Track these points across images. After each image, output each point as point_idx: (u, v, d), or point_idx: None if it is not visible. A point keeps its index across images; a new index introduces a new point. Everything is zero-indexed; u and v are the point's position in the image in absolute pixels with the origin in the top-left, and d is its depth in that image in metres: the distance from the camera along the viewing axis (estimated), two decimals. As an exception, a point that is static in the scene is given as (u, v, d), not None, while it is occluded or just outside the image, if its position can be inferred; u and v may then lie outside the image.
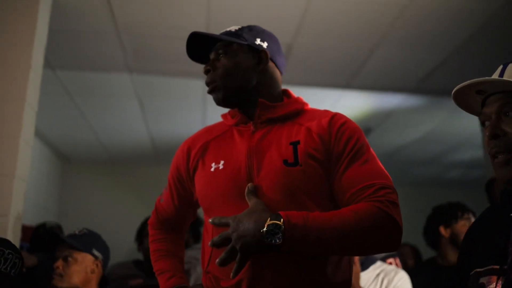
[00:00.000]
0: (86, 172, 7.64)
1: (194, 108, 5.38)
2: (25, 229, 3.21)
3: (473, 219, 2.82)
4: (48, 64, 4.04)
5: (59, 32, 3.58)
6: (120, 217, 7.03)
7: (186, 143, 1.61)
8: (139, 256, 3.48)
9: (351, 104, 5.27)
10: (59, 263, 2.19)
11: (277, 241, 1.23)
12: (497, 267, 1.12)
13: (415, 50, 3.96)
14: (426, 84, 4.60)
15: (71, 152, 7.28)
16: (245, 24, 1.58)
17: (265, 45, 1.53)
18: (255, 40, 1.52)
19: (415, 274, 2.53)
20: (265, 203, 1.35)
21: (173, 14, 3.45)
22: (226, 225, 1.31)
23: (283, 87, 1.60)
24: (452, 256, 2.80)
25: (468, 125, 5.78)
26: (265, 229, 1.23)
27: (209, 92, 1.53)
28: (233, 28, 1.55)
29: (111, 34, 3.68)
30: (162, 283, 1.57)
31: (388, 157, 7.13)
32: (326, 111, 1.51)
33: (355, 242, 1.28)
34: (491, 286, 1.11)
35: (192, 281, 2.88)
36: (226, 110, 1.59)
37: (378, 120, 5.75)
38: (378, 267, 2.36)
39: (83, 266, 2.22)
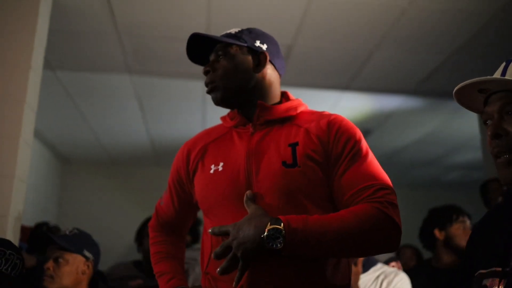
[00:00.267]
0: (86, 173, 7.65)
1: (194, 109, 5.38)
2: (24, 230, 3.21)
3: (468, 222, 2.83)
4: (48, 64, 4.04)
5: (59, 33, 3.58)
6: (120, 218, 7.04)
7: (186, 146, 1.62)
8: (139, 256, 3.48)
9: (350, 105, 5.28)
10: (50, 264, 2.15)
11: (278, 245, 1.23)
12: (500, 269, 1.11)
13: (414, 51, 3.97)
14: (425, 86, 4.61)
15: (71, 153, 7.28)
16: (245, 26, 1.59)
17: (264, 47, 1.54)
18: (255, 42, 1.53)
19: (412, 276, 2.53)
20: (264, 205, 1.35)
21: (173, 15, 3.45)
22: (226, 233, 1.31)
23: (283, 88, 1.60)
24: (446, 258, 2.80)
25: (467, 127, 5.79)
26: (265, 234, 1.23)
27: (208, 92, 1.54)
28: (233, 30, 1.56)
29: (111, 34, 3.68)
30: (162, 285, 1.57)
31: (387, 159, 7.14)
32: (324, 113, 1.51)
33: (355, 243, 1.28)
34: None
35: (190, 282, 2.88)
36: (226, 111, 1.59)
37: (378, 121, 5.76)
38: (378, 269, 2.36)
39: (74, 267, 2.19)
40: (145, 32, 3.68)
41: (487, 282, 1.13)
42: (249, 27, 1.59)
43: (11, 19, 2.85)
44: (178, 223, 1.70)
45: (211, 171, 1.48)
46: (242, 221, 1.29)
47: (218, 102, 1.52)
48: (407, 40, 3.76)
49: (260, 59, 1.52)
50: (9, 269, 1.92)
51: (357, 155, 1.39)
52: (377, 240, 1.30)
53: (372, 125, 5.84)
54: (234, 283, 1.28)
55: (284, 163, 1.39)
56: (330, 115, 1.49)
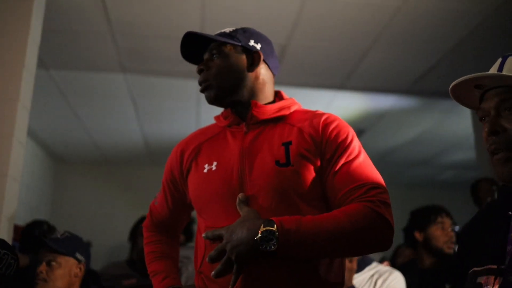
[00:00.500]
0: (79, 172, 7.63)
1: (188, 109, 5.38)
2: (16, 229, 3.20)
3: (448, 222, 2.84)
4: (42, 63, 4.03)
5: (53, 32, 3.57)
6: (114, 217, 7.02)
7: (180, 146, 1.62)
8: (133, 256, 3.47)
9: (344, 105, 5.29)
10: (43, 268, 2.15)
11: (272, 247, 1.22)
12: (495, 266, 1.11)
13: (408, 51, 3.98)
14: (419, 86, 4.62)
15: (64, 152, 7.26)
16: (239, 25, 1.60)
17: (258, 46, 1.54)
18: (249, 42, 1.53)
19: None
20: (257, 205, 1.36)
21: (167, 14, 3.45)
22: (220, 237, 1.31)
23: (277, 87, 1.61)
24: (426, 260, 2.82)
25: (461, 126, 5.81)
26: (259, 236, 1.23)
27: (202, 90, 1.54)
28: (227, 29, 1.56)
29: (105, 33, 3.68)
30: (156, 284, 1.57)
31: (381, 158, 7.16)
32: (318, 112, 1.52)
33: (348, 243, 1.28)
34: (489, 286, 1.10)
35: (183, 280, 2.87)
36: (220, 111, 1.59)
37: (372, 121, 5.77)
38: (373, 268, 2.37)
39: (67, 270, 2.20)
40: (139, 31, 3.68)
41: (481, 279, 1.13)
42: (244, 27, 1.59)
43: (5, 18, 2.85)
44: (172, 222, 1.70)
45: (205, 171, 1.48)
46: (235, 224, 1.29)
47: (212, 100, 1.52)
48: (401, 39, 3.77)
49: (254, 58, 1.52)
50: (4, 268, 1.91)
51: (350, 154, 1.40)
52: (370, 239, 1.30)
53: (366, 124, 5.85)
54: (230, 286, 1.27)
55: (277, 162, 1.39)
56: (323, 114, 1.49)
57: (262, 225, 1.24)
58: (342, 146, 1.41)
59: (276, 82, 1.61)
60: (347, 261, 2.12)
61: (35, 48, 2.95)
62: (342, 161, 1.38)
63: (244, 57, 1.52)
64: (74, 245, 2.28)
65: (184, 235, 3.62)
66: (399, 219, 2.94)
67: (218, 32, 1.56)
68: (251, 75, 1.52)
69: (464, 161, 7.28)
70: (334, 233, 1.26)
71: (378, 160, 6.70)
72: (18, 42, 2.82)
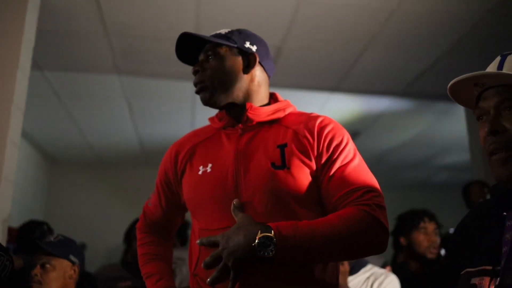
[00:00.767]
0: (73, 174, 7.60)
1: (183, 110, 5.38)
2: (10, 231, 3.18)
3: (432, 227, 2.86)
4: (36, 65, 4.01)
5: (48, 33, 3.56)
6: (108, 219, 7.00)
7: (174, 147, 1.62)
8: (128, 258, 3.46)
9: (339, 107, 5.30)
10: (37, 270, 2.17)
11: (270, 253, 1.22)
12: (490, 267, 1.09)
13: (403, 53, 3.99)
14: (414, 88, 4.64)
15: (58, 154, 7.24)
16: (234, 27, 1.59)
17: (254, 48, 1.54)
18: (245, 43, 1.53)
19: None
20: (252, 207, 1.36)
21: (162, 15, 3.45)
22: (215, 243, 1.30)
23: (272, 89, 1.60)
24: (412, 264, 2.84)
25: (455, 129, 5.84)
26: (256, 242, 1.22)
27: (197, 92, 1.53)
28: (223, 31, 1.55)
29: (99, 35, 3.67)
30: (150, 286, 1.56)
31: (376, 160, 7.17)
32: (313, 114, 1.52)
33: (344, 247, 1.28)
34: (483, 287, 1.08)
35: (177, 282, 2.87)
36: (215, 112, 1.59)
37: (366, 123, 5.78)
38: (368, 270, 2.37)
39: (61, 272, 2.21)
40: (134, 32, 3.67)
41: (475, 280, 1.11)
42: (239, 28, 1.59)
43: (-1, 19, 2.84)
44: (166, 224, 1.69)
45: (200, 172, 1.47)
46: (231, 230, 1.29)
47: (207, 102, 1.52)
48: (396, 42, 3.78)
49: (249, 60, 1.52)
50: None
51: (345, 158, 1.40)
52: (366, 243, 1.30)
53: (360, 126, 5.86)
54: None
55: (273, 165, 1.39)
56: (318, 116, 1.49)
57: (259, 231, 1.23)
58: (337, 150, 1.41)
59: (270, 84, 1.61)
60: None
61: (29, 49, 2.94)
62: (337, 165, 1.38)
63: (240, 59, 1.52)
64: (68, 247, 2.29)
65: (179, 239, 3.60)
66: (394, 221, 2.96)
67: (214, 33, 1.56)
68: (246, 77, 1.51)
69: (459, 163, 7.31)
70: (331, 238, 1.26)
71: (372, 162, 6.72)
72: (12, 43, 2.81)
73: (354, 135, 5.91)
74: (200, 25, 3.53)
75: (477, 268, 1.12)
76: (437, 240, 2.86)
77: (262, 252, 1.22)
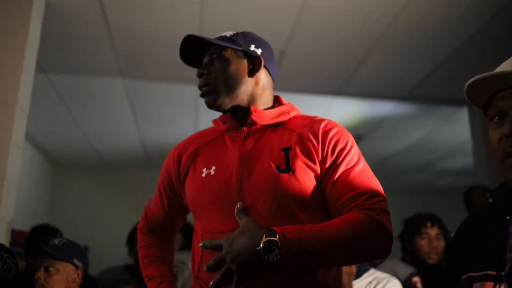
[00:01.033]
0: (77, 177, 7.61)
1: (186, 113, 5.38)
2: (13, 234, 3.19)
3: (434, 233, 2.86)
4: (40, 67, 4.03)
5: (52, 36, 3.57)
6: (111, 222, 7.00)
7: (177, 148, 1.61)
8: (130, 261, 3.46)
9: (342, 111, 5.30)
10: (41, 274, 2.18)
11: (274, 258, 1.22)
12: (493, 272, 1.06)
13: (406, 58, 3.99)
14: (417, 92, 4.63)
15: (62, 156, 7.25)
16: (238, 30, 1.59)
17: (259, 51, 1.53)
18: (250, 47, 1.52)
19: None
20: (256, 210, 1.35)
21: (166, 19, 3.45)
22: (218, 247, 1.30)
23: (275, 93, 1.60)
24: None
25: (459, 133, 5.82)
26: (261, 246, 1.22)
27: (202, 95, 1.52)
28: (228, 33, 1.55)
29: (104, 38, 3.68)
30: (152, 289, 1.56)
31: (379, 165, 7.16)
32: (317, 118, 1.51)
33: (348, 251, 1.28)
34: None
35: (179, 286, 2.86)
36: (219, 115, 1.58)
37: (369, 127, 5.77)
38: (371, 274, 2.36)
39: (65, 275, 2.22)
40: (138, 36, 3.68)
41: (477, 285, 1.08)
42: (244, 31, 1.58)
43: (3, 22, 2.85)
44: (167, 225, 1.69)
45: (203, 175, 1.47)
46: (235, 234, 1.28)
47: (212, 105, 1.51)
48: (399, 46, 3.78)
49: (254, 63, 1.51)
50: (6, 272, 1.93)
51: (350, 161, 1.40)
52: (370, 247, 1.30)
53: (364, 130, 5.85)
54: None
55: (277, 168, 1.39)
56: (322, 120, 1.49)
57: (264, 235, 1.23)
58: (342, 154, 1.40)
59: (273, 88, 1.60)
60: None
61: (33, 51, 2.95)
62: (341, 169, 1.38)
63: (245, 62, 1.51)
64: (72, 251, 2.30)
65: (184, 239, 3.59)
66: (398, 225, 2.95)
67: (218, 35, 1.55)
68: (251, 80, 1.51)
69: (462, 168, 7.29)
70: (335, 242, 1.26)
71: (375, 166, 6.69)
72: (17, 46, 2.82)
73: (358, 139, 5.91)
74: (203, 29, 3.53)
75: (479, 273, 1.09)
76: (440, 245, 2.86)
77: (266, 257, 1.22)
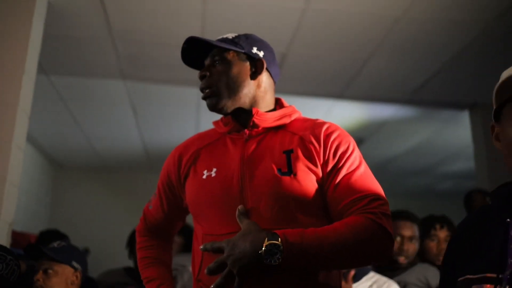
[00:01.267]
0: (78, 178, 7.62)
1: (187, 115, 5.39)
2: (15, 235, 3.19)
3: (443, 235, 2.85)
4: (42, 69, 4.03)
5: (54, 38, 3.58)
6: (112, 224, 7.01)
7: (178, 150, 1.60)
8: (130, 263, 3.46)
9: (344, 114, 5.30)
10: (40, 276, 2.20)
11: (276, 261, 1.22)
12: (493, 275, 1.05)
13: (408, 61, 3.99)
14: (418, 95, 4.63)
15: (64, 158, 7.26)
16: (240, 32, 1.58)
17: (261, 54, 1.53)
18: (252, 49, 1.52)
19: None
20: (257, 213, 1.35)
21: (168, 22, 3.45)
22: (219, 250, 1.30)
23: (276, 95, 1.60)
24: None
25: (460, 137, 5.82)
26: (263, 249, 1.22)
27: (204, 98, 1.52)
28: (230, 35, 1.54)
29: (105, 40, 3.68)
30: (151, 291, 1.56)
31: (380, 168, 7.16)
32: (318, 121, 1.51)
33: (350, 255, 1.28)
34: None
35: (178, 288, 2.87)
36: (220, 117, 1.58)
37: (371, 130, 5.77)
38: (370, 278, 2.36)
39: (64, 278, 2.24)
40: (139, 38, 3.69)
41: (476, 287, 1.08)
42: (246, 33, 1.57)
43: (5, 24, 2.85)
44: (166, 226, 1.68)
45: (204, 177, 1.46)
46: (236, 237, 1.28)
47: (213, 108, 1.50)
48: (401, 49, 3.78)
49: (257, 66, 1.51)
50: (9, 274, 1.94)
51: (351, 164, 1.40)
52: (372, 250, 1.30)
53: (365, 133, 5.85)
54: None
55: (279, 170, 1.38)
56: (324, 123, 1.49)
57: (266, 239, 1.23)
58: (344, 157, 1.40)
59: (275, 90, 1.60)
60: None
61: (35, 53, 2.95)
62: (343, 172, 1.38)
63: (247, 64, 1.50)
64: (71, 253, 2.31)
65: (184, 240, 3.59)
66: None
67: (220, 37, 1.55)
68: (253, 83, 1.50)
69: (463, 171, 7.29)
70: (337, 245, 1.26)
71: (377, 170, 6.69)
72: (19, 47, 2.82)
73: (359, 142, 5.91)
74: (205, 32, 3.53)
75: (479, 276, 1.08)
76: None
77: (268, 260, 1.22)
